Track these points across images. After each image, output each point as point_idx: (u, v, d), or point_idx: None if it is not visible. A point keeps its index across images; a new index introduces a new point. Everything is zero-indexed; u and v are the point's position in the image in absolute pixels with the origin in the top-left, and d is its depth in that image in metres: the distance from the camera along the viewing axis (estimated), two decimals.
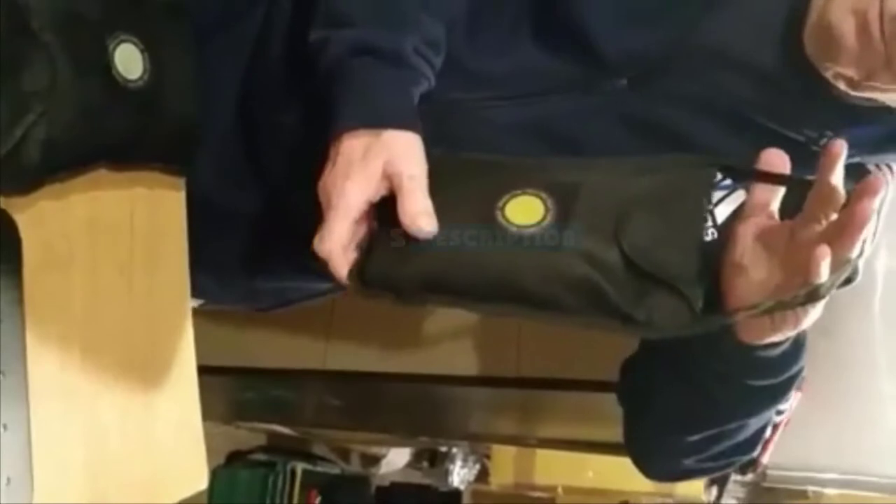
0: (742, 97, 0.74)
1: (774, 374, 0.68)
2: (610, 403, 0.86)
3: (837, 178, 0.57)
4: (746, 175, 0.63)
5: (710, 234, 0.63)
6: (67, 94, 0.60)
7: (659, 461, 0.82)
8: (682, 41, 0.73)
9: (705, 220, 0.61)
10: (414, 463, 2.46)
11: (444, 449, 2.35)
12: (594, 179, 0.63)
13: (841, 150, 0.57)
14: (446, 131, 0.72)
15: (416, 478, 2.42)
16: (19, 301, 0.60)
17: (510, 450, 2.04)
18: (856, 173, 0.71)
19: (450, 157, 0.67)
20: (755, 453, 0.78)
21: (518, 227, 0.61)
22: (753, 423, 0.73)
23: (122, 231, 0.69)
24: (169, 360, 0.74)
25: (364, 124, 0.64)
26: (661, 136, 0.74)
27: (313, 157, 0.67)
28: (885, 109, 0.71)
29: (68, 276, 0.65)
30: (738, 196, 0.68)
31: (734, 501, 1.73)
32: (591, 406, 1.44)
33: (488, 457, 2.22)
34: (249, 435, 2.24)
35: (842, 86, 0.69)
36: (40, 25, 0.59)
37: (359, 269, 0.64)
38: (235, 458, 2.21)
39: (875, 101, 0.70)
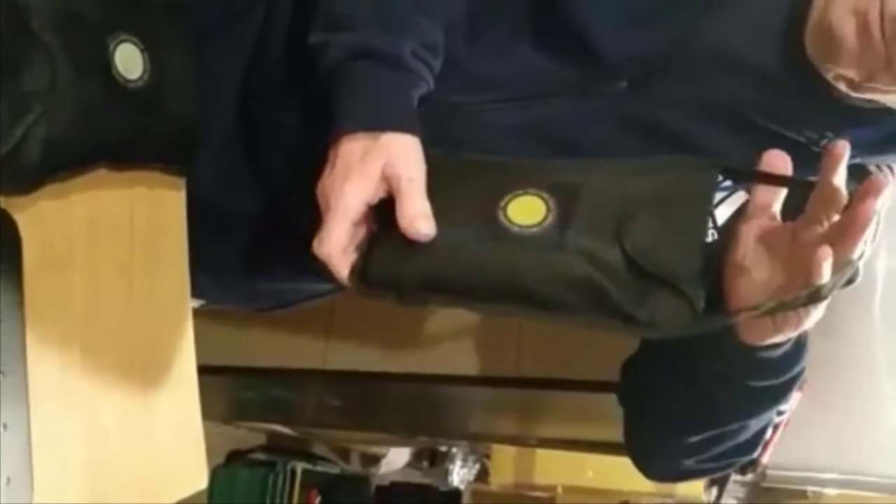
0: (742, 98, 0.74)
1: (776, 375, 0.68)
2: (610, 403, 0.86)
3: (840, 179, 0.57)
4: (748, 176, 0.63)
5: (711, 235, 0.63)
6: (67, 93, 0.60)
7: (659, 462, 0.82)
8: (681, 43, 0.73)
9: (707, 221, 0.61)
10: (414, 463, 2.47)
11: (443, 449, 2.35)
12: (596, 180, 0.63)
13: (843, 152, 0.57)
14: (446, 134, 0.72)
15: (416, 477, 2.42)
16: (19, 301, 0.60)
17: (510, 449, 2.05)
18: (857, 174, 0.71)
19: (450, 158, 0.67)
20: (756, 454, 0.78)
21: (520, 227, 0.61)
22: (754, 424, 0.73)
23: (122, 231, 0.69)
24: (169, 360, 0.74)
25: (363, 127, 0.65)
26: (661, 138, 0.74)
27: (313, 157, 0.67)
28: (886, 111, 0.71)
29: (68, 275, 0.64)
30: (739, 197, 0.68)
31: (734, 501, 1.73)
32: (591, 406, 1.44)
33: (488, 456, 2.22)
34: (249, 434, 2.24)
35: (842, 87, 0.69)
36: (40, 25, 0.58)
37: (360, 269, 0.64)
38: (235, 458, 2.21)
39: (876, 102, 0.70)
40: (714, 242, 0.63)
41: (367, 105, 0.66)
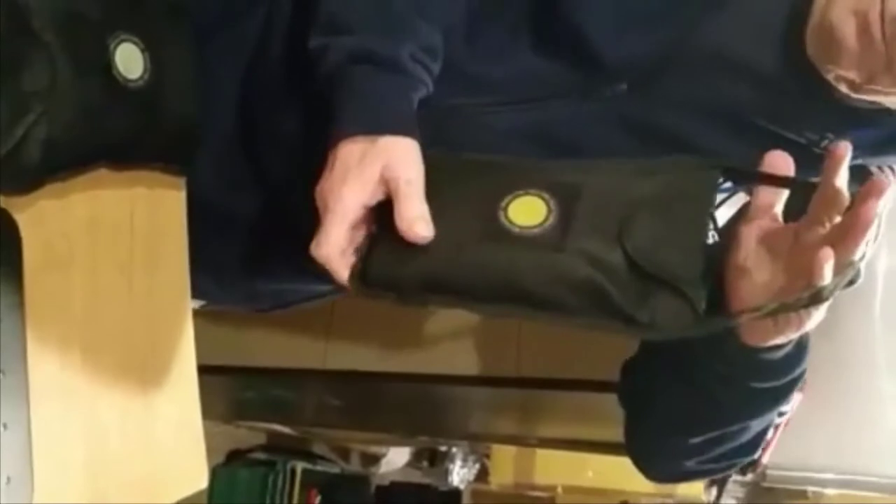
0: (742, 99, 0.73)
1: (777, 377, 0.67)
2: (610, 403, 0.86)
3: (842, 180, 0.57)
4: (750, 177, 0.63)
5: (712, 237, 0.63)
6: (68, 93, 0.60)
7: (660, 463, 0.82)
8: (681, 44, 0.73)
9: (709, 223, 0.61)
10: (414, 462, 2.47)
11: (443, 448, 2.35)
12: (596, 180, 0.62)
13: (845, 153, 0.56)
14: (446, 136, 0.72)
15: (416, 477, 2.42)
16: (20, 300, 0.60)
17: (510, 449, 2.05)
18: (858, 175, 0.71)
19: (450, 157, 0.67)
20: (757, 455, 0.78)
21: (520, 227, 0.61)
22: (755, 425, 0.73)
23: (122, 231, 0.69)
24: (169, 360, 0.74)
25: (361, 130, 0.65)
26: (662, 140, 0.74)
27: (313, 158, 0.67)
28: (887, 111, 0.71)
29: (68, 275, 0.64)
30: (739, 199, 0.68)
31: (734, 501, 1.73)
32: (591, 406, 1.44)
33: (488, 456, 2.22)
34: (249, 434, 2.24)
35: (843, 88, 0.69)
36: (41, 25, 0.58)
37: (359, 270, 0.64)
38: (235, 457, 2.21)
39: (876, 103, 0.70)
40: (715, 244, 0.63)
41: (366, 108, 0.66)
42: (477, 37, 0.76)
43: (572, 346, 1.41)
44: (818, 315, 0.60)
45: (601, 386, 1.32)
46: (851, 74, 0.67)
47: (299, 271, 0.83)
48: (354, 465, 2.41)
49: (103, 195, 0.67)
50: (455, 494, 2.28)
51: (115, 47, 0.64)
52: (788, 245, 0.60)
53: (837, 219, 0.57)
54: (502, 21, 0.76)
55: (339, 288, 0.66)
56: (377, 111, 0.66)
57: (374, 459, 2.39)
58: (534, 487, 2.07)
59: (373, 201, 0.64)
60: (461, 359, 1.53)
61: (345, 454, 2.39)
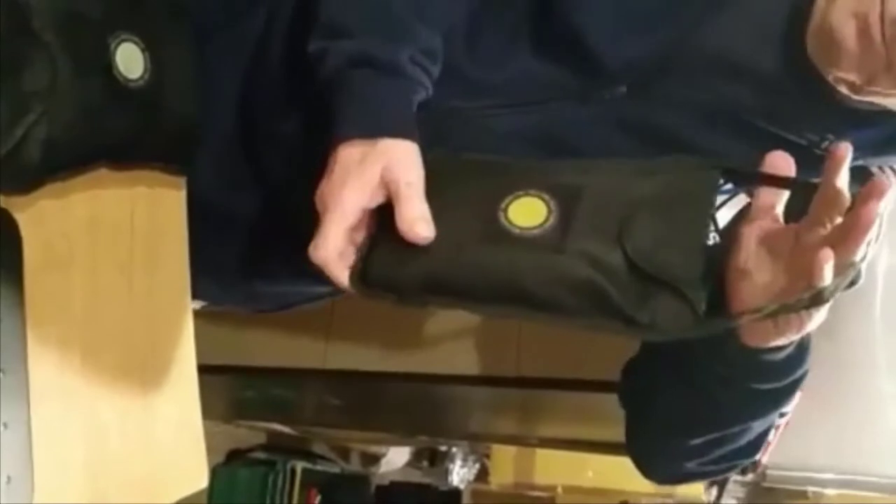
0: (742, 101, 0.73)
1: (778, 378, 0.67)
2: (610, 403, 0.86)
3: (842, 181, 0.57)
4: (750, 178, 0.63)
5: (713, 238, 0.63)
6: (68, 93, 0.60)
7: (661, 464, 0.82)
8: (681, 46, 0.73)
9: (709, 222, 0.61)
10: (414, 462, 2.47)
11: (443, 448, 2.36)
12: (597, 181, 0.62)
13: (846, 154, 0.56)
14: (446, 140, 0.71)
15: (416, 477, 2.42)
16: (20, 300, 0.60)
17: (510, 449, 2.05)
18: (859, 176, 0.71)
19: (450, 158, 0.67)
20: (758, 456, 0.78)
21: (521, 228, 0.61)
22: (757, 427, 0.73)
23: (122, 230, 0.69)
24: (169, 360, 0.74)
25: (361, 134, 0.65)
26: (662, 142, 0.74)
27: (313, 158, 0.67)
28: (887, 112, 0.71)
29: (68, 275, 0.64)
30: (740, 200, 0.68)
31: (734, 501, 1.73)
32: (592, 406, 1.44)
33: (488, 456, 2.22)
34: (249, 433, 2.24)
35: (844, 90, 0.69)
36: (41, 25, 0.58)
37: (359, 271, 0.64)
38: (235, 457, 2.21)
39: (877, 104, 0.70)
40: (716, 245, 0.63)
41: (365, 112, 0.66)
42: (477, 40, 0.76)
43: (572, 346, 1.41)
44: (819, 316, 0.60)
45: (601, 386, 1.32)
46: (851, 76, 0.67)
47: (299, 272, 0.83)
48: (354, 465, 2.41)
49: (103, 195, 0.67)
50: (455, 494, 2.28)
51: (116, 47, 0.64)
52: (789, 246, 0.60)
53: (838, 219, 0.57)
54: (502, 24, 0.76)
55: (338, 289, 0.66)
56: (377, 114, 0.66)
57: (374, 459, 2.39)
58: (534, 487, 2.07)
59: (372, 204, 0.64)
60: (461, 358, 1.53)
61: (345, 454, 2.40)
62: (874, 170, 0.78)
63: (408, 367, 1.55)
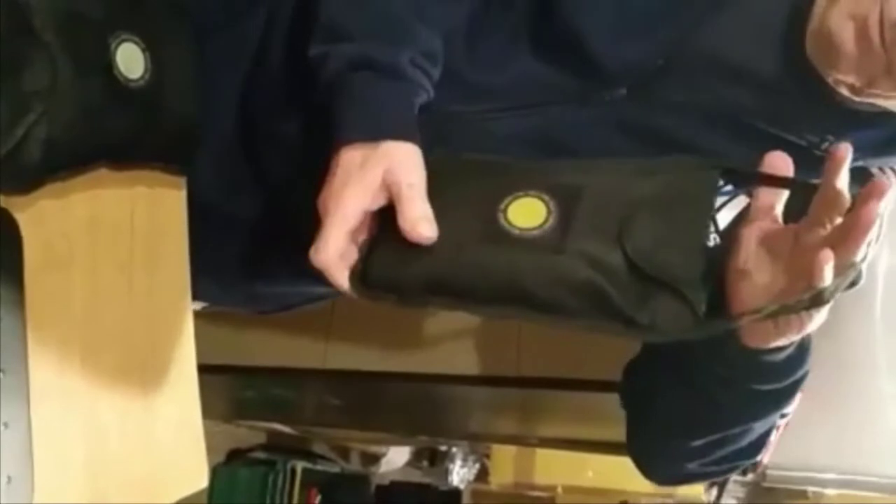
0: (742, 102, 0.73)
1: (779, 379, 0.67)
2: (610, 403, 0.86)
3: (843, 181, 0.56)
4: (750, 178, 0.63)
5: (713, 240, 0.62)
6: (68, 93, 0.60)
7: (662, 465, 0.82)
8: (680, 48, 0.73)
9: (709, 223, 0.61)
10: (414, 462, 2.47)
11: (443, 448, 2.36)
12: (596, 181, 0.62)
13: (846, 154, 0.56)
14: (447, 142, 0.71)
15: (416, 477, 2.42)
16: (20, 300, 0.60)
17: (510, 449, 2.05)
18: (859, 177, 0.71)
19: (451, 158, 0.67)
20: (759, 457, 0.78)
21: (520, 229, 0.61)
22: (758, 428, 0.73)
23: (122, 230, 0.69)
24: (169, 360, 0.73)
25: (362, 137, 0.65)
26: (662, 144, 0.74)
27: (313, 159, 0.67)
28: (887, 113, 0.71)
29: (69, 275, 0.64)
30: (740, 202, 0.68)
31: (734, 501, 1.73)
32: (592, 406, 1.44)
33: (488, 456, 2.22)
34: (250, 433, 2.24)
35: (844, 92, 0.69)
36: (41, 25, 0.58)
37: (360, 272, 0.64)
38: (236, 457, 2.21)
39: (877, 105, 0.70)
40: (716, 246, 0.63)
41: (366, 115, 0.66)
42: (477, 42, 0.76)
43: (572, 346, 1.41)
44: (819, 317, 0.60)
45: (601, 386, 1.32)
46: (851, 79, 0.67)
47: (299, 273, 0.83)
48: (354, 465, 2.41)
49: (103, 195, 0.67)
50: (455, 494, 2.28)
51: (117, 47, 0.64)
52: (789, 246, 0.60)
53: (838, 220, 0.57)
54: (502, 28, 0.76)
55: (338, 291, 0.66)
56: (378, 117, 0.66)
57: (374, 459, 2.39)
58: (534, 487, 2.07)
59: (374, 207, 0.64)
60: (461, 358, 1.53)
61: (345, 453, 2.40)
62: (874, 170, 0.78)
63: (408, 367, 1.55)
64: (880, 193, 0.54)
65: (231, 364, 1.62)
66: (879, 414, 1.35)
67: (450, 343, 1.54)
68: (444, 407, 1.76)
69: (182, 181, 0.75)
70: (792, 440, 1.32)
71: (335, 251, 0.63)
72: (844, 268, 0.55)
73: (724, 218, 0.66)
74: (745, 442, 0.74)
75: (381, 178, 0.63)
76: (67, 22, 0.60)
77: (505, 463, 2.08)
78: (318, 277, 0.65)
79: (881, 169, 0.79)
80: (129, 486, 0.68)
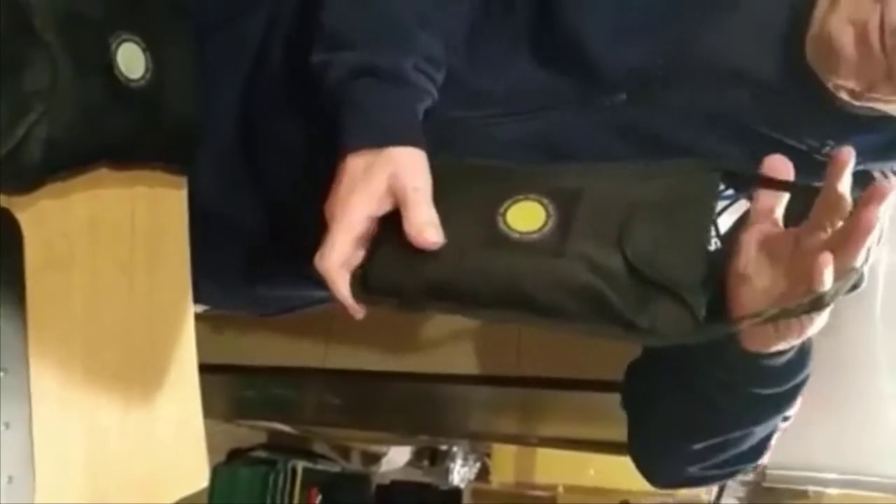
0: (742, 106, 0.73)
1: (779, 383, 0.67)
2: (611, 403, 0.86)
3: (845, 185, 0.56)
4: (750, 180, 0.63)
5: (714, 244, 0.62)
6: (68, 93, 0.60)
7: (663, 468, 0.82)
8: (681, 52, 0.72)
9: (710, 227, 0.61)
10: (414, 461, 2.47)
11: (444, 447, 2.35)
12: (596, 185, 0.62)
13: (848, 158, 0.56)
14: (449, 148, 0.71)
15: (417, 476, 2.42)
16: (21, 299, 0.60)
17: (511, 448, 2.05)
18: (861, 180, 0.71)
19: (452, 163, 0.67)
20: (761, 461, 0.78)
21: (520, 233, 0.61)
22: (759, 431, 0.72)
23: (123, 230, 0.69)
24: (169, 359, 0.74)
25: (367, 144, 0.65)
26: (662, 148, 0.74)
27: (313, 160, 0.67)
28: (888, 117, 0.71)
29: (69, 275, 0.64)
30: (741, 206, 0.68)
31: (734, 501, 1.73)
32: (593, 405, 1.44)
33: (489, 455, 2.22)
34: (250, 433, 2.24)
35: (844, 96, 0.69)
36: (42, 25, 0.58)
37: (361, 276, 0.64)
38: (236, 456, 2.20)
39: (878, 110, 0.70)
40: (717, 251, 0.63)
41: (370, 122, 0.66)
42: (477, 47, 0.76)
43: (573, 346, 1.41)
44: (820, 321, 0.59)
45: (602, 385, 1.32)
46: (851, 83, 0.67)
47: (299, 276, 0.83)
48: (355, 464, 2.41)
49: (104, 195, 0.67)
50: (456, 493, 2.28)
51: (117, 47, 0.64)
52: (789, 250, 0.60)
53: (839, 224, 0.57)
54: (502, 33, 0.76)
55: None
56: (381, 123, 0.66)
57: (375, 458, 2.39)
58: (535, 487, 2.07)
59: (380, 212, 0.64)
60: (462, 358, 1.53)
61: (345, 453, 2.39)
62: (876, 174, 0.78)
63: (408, 367, 1.55)
64: (881, 197, 0.54)
65: (232, 364, 1.62)
66: (880, 413, 1.35)
67: (450, 343, 1.54)
68: (444, 406, 1.76)
69: (182, 181, 0.75)
70: (792, 440, 1.31)
71: (340, 256, 0.63)
72: (845, 272, 0.55)
73: (724, 222, 0.66)
74: (746, 446, 0.73)
75: (386, 184, 0.63)
76: (68, 22, 0.60)
77: (506, 462, 2.08)
78: (319, 282, 0.65)
79: (883, 172, 0.79)
80: (129, 485, 0.68)
